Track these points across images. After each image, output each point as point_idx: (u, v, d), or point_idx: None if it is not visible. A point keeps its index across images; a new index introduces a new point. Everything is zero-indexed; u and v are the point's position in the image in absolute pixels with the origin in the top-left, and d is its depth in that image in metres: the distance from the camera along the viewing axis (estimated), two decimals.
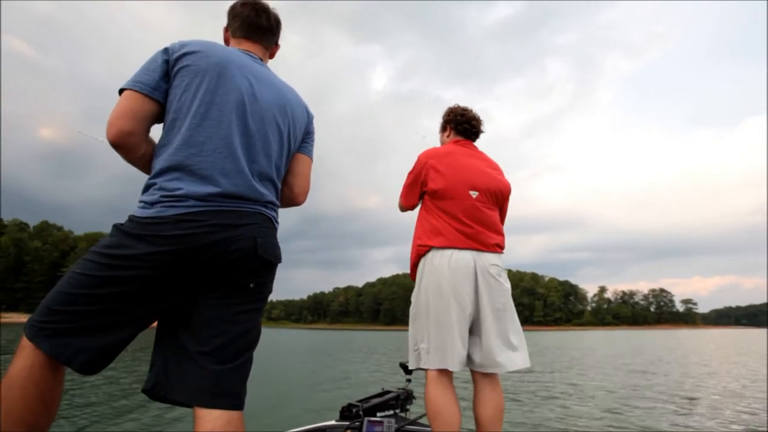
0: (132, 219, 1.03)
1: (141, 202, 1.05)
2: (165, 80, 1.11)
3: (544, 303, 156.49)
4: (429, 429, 1.91)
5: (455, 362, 1.65)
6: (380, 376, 9.28)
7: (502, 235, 1.89)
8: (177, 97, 1.09)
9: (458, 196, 1.80)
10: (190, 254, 1.00)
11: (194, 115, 1.08)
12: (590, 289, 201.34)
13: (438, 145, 2.13)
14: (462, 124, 2.03)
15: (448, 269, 1.70)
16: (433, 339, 1.68)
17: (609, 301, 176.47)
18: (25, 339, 0.97)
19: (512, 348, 1.72)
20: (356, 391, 6.90)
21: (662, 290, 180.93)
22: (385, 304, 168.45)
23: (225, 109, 1.11)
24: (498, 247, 1.83)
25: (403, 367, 2.25)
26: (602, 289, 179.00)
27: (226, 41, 1.37)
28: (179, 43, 1.14)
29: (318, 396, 6.40)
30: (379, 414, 2.00)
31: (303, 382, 8.13)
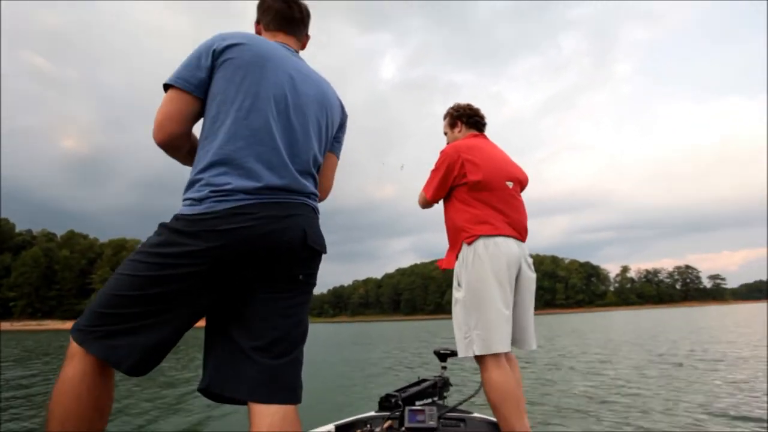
0: (181, 217, 1.01)
1: (187, 199, 1.04)
2: (208, 75, 1.09)
3: (566, 285, 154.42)
4: (470, 415, 1.98)
5: (507, 344, 1.76)
6: (408, 364, 9.40)
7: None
8: (221, 90, 1.08)
9: (498, 186, 1.90)
10: (245, 247, 0.99)
11: (239, 108, 1.07)
12: (613, 269, 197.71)
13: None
14: (473, 117, 2.15)
15: (500, 255, 1.79)
16: (489, 324, 1.73)
17: (632, 280, 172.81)
18: (74, 345, 0.96)
19: (533, 330, 1.95)
20: (388, 380, 7.01)
21: (688, 267, 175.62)
22: (405, 294, 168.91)
23: (269, 102, 1.10)
24: (526, 236, 1.99)
25: (438, 354, 2.28)
26: (625, 269, 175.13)
27: (258, 35, 1.32)
28: (220, 36, 1.12)
29: (353, 389, 6.50)
30: (417, 403, 2.00)
31: (336, 376, 8.30)
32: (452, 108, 2.20)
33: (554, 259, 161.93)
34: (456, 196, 1.95)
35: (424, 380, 2.23)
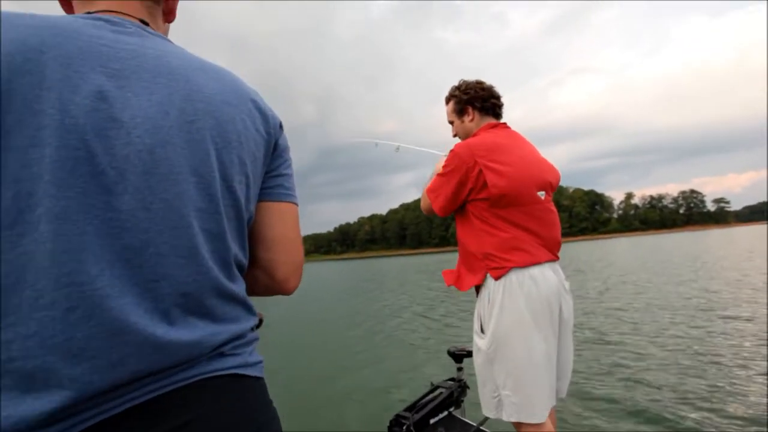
0: None
1: None
2: None
3: (570, 214, 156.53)
4: None
5: (550, 405, 1.41)
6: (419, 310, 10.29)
7: None
8: None
9: (527, 200, 1.47)
10: None
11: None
12: (617, 196, 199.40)
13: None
14: (488, 101, 1.63)
15: (539, 293, 1.41)
16: (526, 388, 1.38)
17: (636, 206, 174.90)
18: None
19: (570, 374, 1.57)
20: (402, 333, 7.19)
21: (692, 191, 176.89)
22: (411, 229, 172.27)
23: (52, 180, 0.46)
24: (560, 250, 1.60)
25: (453, 355, 2.05)
26: (629, 195, 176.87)
27: (67, 5, 0.67)
28: None
29: (361, 357, 5.81)
30: (432, 421, 1.83)
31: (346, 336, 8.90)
32: (458, 88, 1.67)
33: (559, 189, 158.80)
34: (473, 212, 1.50)
35: (437, 387, 2.03)
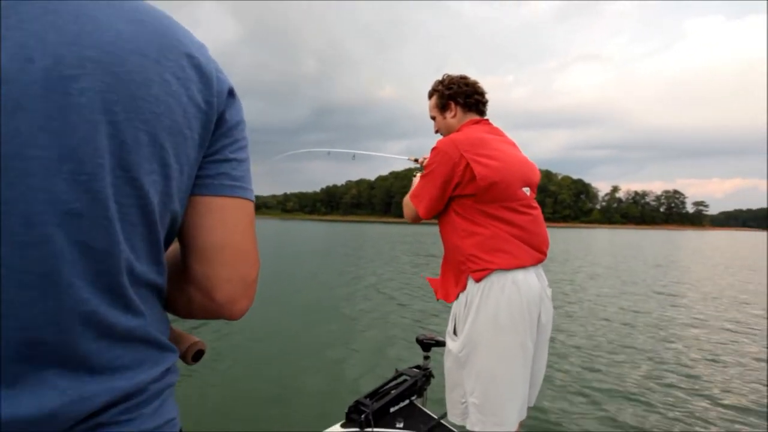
0: None
1: None
2: None
3: (555, 200, 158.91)
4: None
5: (517, 420, 1.34)
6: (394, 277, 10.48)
7: None
8: None
9: (513, 196, 1.42)
10: None
11: None
12: (603, 188, 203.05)
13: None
14: (473, 96, 1.58)
15: (521, 299, 1.34)
16: (496, 397, 1.32)
17: (620, 200, 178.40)
18: None
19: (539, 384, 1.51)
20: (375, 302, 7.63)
21: (675, 191, 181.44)
22: (398, 197, 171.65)
23: None
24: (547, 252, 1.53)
25: (422, 343, 2.01)
26: (615, 189, 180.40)
27: None
28: None
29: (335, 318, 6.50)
30: (392, 409, 1.80)
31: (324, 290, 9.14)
32: (441, 83, 1.61)
33: (548, 174, 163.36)
34: (456, 209, 1.45)
35: (403, 374, 1.99)
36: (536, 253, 1.44)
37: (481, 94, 1.59)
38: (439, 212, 1.51)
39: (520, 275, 1.36)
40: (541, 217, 1.51)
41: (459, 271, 1.44)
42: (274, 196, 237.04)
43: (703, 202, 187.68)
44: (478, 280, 1.37)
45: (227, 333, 4.85)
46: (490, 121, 1.61)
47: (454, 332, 1.42)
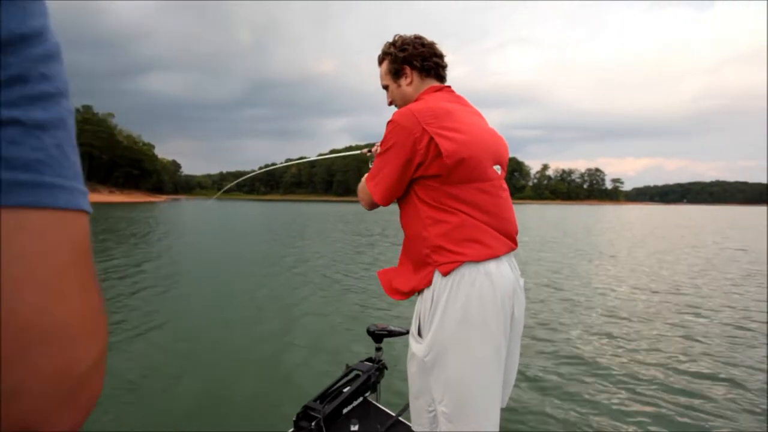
0: None
1: None
2: None
3: None
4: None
5: (493, 427, 1.18)
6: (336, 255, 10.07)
7: None
8: None
9: (484, 176, 1.22)
10: None
11: None
12: (535, 166, 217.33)
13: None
14: (431, 59, 1.34)
15: (494, 294, 1.16)
16: (467, 399, 1.16)
17: (549, 177, 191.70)
18: None
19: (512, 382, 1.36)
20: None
21: (597, 169, 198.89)
22: (338, 176, 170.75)
23: None
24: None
25: (373, 334, 1.82)
26: (545, 167, 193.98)
27: None
28: None
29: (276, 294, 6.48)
30: (345, 410, 1.67)
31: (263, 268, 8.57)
32: (393, 45, 1.36)
33: None
34: (419, 192, 1.23)
35: (354, 370, 1.84)
36: (508, 241, 1.26)
37: (440, 56, 1.37)
38: (399, 198, 1.30)
39: (492, 266, 1.18)
40: (510, 199, 1.32)
41: (423, 264, 1.24)
42: (209, 176, 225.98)
43: (619, 179, 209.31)
44: (445, 274, 1.17)
45: (144, 332, 4.09)
46: (454, 90, 1.37)
47: (419, 333, 1.24)
